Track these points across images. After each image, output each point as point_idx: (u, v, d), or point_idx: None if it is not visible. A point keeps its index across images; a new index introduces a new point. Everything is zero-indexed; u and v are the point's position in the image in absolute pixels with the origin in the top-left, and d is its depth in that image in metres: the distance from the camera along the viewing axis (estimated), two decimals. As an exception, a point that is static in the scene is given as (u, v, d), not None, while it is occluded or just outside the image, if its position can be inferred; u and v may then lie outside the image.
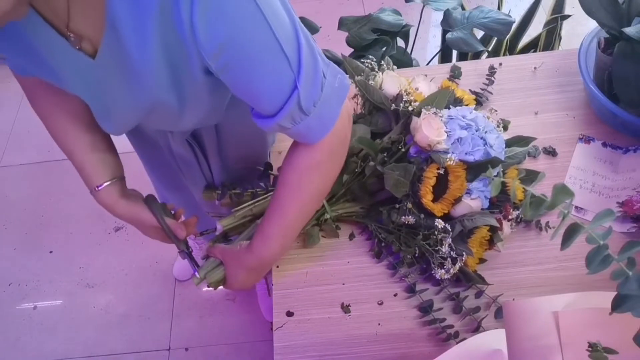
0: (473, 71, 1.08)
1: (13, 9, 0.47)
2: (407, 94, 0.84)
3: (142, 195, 0.85)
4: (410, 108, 0.83)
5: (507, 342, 0.58)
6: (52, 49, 0.60)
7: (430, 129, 0.79)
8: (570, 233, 0.45)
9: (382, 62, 0.94)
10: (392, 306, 0.84)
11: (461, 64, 1.10)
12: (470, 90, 1.02)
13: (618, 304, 0.45)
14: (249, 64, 0.57)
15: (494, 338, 0.68)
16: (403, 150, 0.83)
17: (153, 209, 0.80)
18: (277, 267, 0.89)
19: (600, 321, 0.53)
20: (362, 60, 0.94)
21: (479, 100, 1.02)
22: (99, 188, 0.79)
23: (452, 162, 0.77)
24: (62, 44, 0.58)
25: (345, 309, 0.84)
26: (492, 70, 1.05)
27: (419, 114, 0.81)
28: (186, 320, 1.70)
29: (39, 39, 0.59)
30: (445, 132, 0.79)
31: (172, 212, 0.85)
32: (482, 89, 1.03)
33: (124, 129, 0.77)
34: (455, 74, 1.07)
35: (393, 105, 0.87)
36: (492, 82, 1.04)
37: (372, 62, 0.93)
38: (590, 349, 0.49)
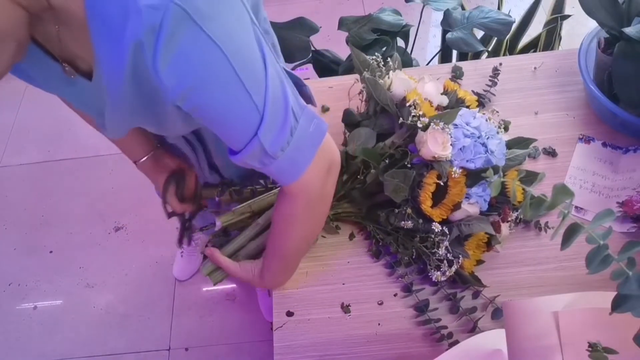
0: (473, 71, 1.08)
1: (16, 55, 0.48)
2: (414, 107, 0.81)
3: (173, 167, 0.96)
4: (419, 124, 0.80)
5: (507, 342, 0.58)
6: (47, 75, 0.61)
7: (436, 144, 0.77)
8: (570, 233, 0.45)
9: (389, 59, 0.93)
10: (391, 306, 0.84)
11: (461, 64, 1.10)
12: (473, 91, 1.02)
13: (618, 304, 0.45)
14: (215, 108, 0.58)
15: (494, 338, 0.68)
16: (407, 163, 0.82)
17: (164, 184, 0.94)
18: (277, 267, 0.89)
19: (600, 321, 0.53)
20: (371, 58, 0.93)
21: (482, 102, 1.02)
22: (142, 161, 0.93)
23: (455, 174, 0.77)
24: (57, 71, 0.59)
25: (345, 309, 0.84)
26: (495, 72, 1.05)
27: (426, 128, 0.80)
28: (186, 320, 1.70)
29: (34, 66, 0.60)
30: (452, 143, 0.78)
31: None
32: (485, 90, 1.03)
33: (120, 136, 0.78)
34: (457, 75, 1.07)
35: (401, 118, 0.84)
36: (495, 84, 1.04)
37: (378, 59, 0.92)
38: (590, 349, 0.49)
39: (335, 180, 0.74)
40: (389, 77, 0.89)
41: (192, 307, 1.72)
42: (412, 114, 0.81)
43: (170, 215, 0.99)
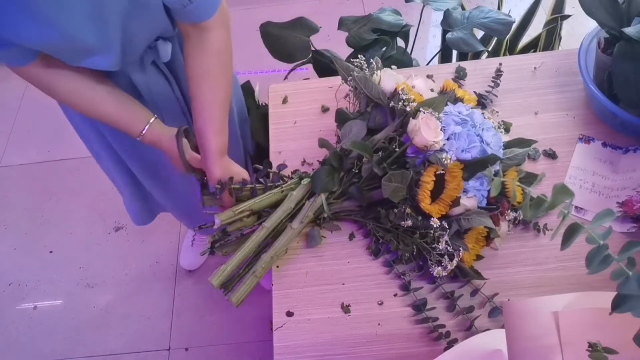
0: (473, 71, 1.08)
1: None
2: (404, 93, 0.84)
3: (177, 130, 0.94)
4: (407, 108, 0.82)
5: (507, 342, 0.58)
6: None
7: (429, 131, 0.78)
8: (570, 233, 0.45)
9: (372, 61, 0.93)
10: (391, 306, 0.84)
11: (461, 64, 1.10)
12: (475, 92, 1.02)
13: (618, 304, 0.45)
14: None
15: (494, 338, 0.68)
16: (399, 150, 0.82)
17: (177, 142, 0.91)
18: (277, 267, 0.89)
19: (600, 321, 0.53)
20: (352, 60, 0.94)
21: (483, 103, 1.01)
22: (143, 133, 0.92)
23: (449, 161, 0.77)
24: None
25: (345, 309, 0.84)
26: (498, 73, 1.04)
27: (415, 114, 0.81)
28: (186, 320, 1.70)
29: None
30: (442, 128, 0.79)
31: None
32: (487, 92, 1.03)
33: (120, 54, 0.82)
34: (460, 75, 1.07)
35: (391, 102, 0.86)
36: (497, 85, 1.03)
37: (362, 61, 0.93)
38: (590, 349, 0.49)
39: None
40: (377, 75, 0.89)
41: (192, 307, 1.72)
42: (403, 97, 0.82)
43: (198, 179, 0.96)
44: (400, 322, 0.82)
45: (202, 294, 1.74)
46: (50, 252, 1.89)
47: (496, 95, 1.03)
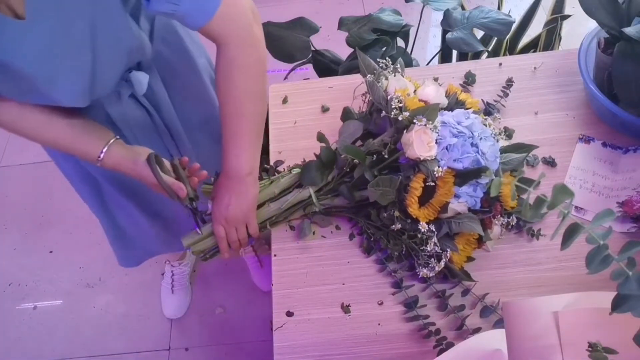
0: (472, 71, 1.08)
1: None
2: (398, 101, 0.81)
3: (148, 152, 0.86)
4: (400, 117, 0.80)
5: (507, 342, 0.58)
6: None
7: (421, 146, 0.77)
8: (570, 233, 0.45)
9: (397, 64, 0.92)
10: (392, 306, 0.84)
11: (461, 64, 1.10)
12: (482, 100, 1.01)
13: (618, 304, 0.45)
14: None
15: (494, 338, 0.68)
16: (390, 159, 0.82)
17: (152, 169, 0.82)
18: (277, 266, 0.89)
19: (600, 321, 0.53)
20: (378, 60, 0.92)
21: (490, 111, 1.00)
22: (101, 157, 0.83)
23: (440, 173, 0.76)
24: None
25: (345, 309, 0.84)
26: (509, 83, 1.03)
27: (410, 123, 0.79)
28: (186, 320, 1.70)
29: None
30: (437, 140, 0.78)
31: (180, 166, 0.88)
32: (495, 101, 1.02)
33: (86, 89, 0.76)
34: (469, 81, 1.06)
35: (384, 113, 0.85)
36: (506, 95, 1.02)
37: (387, 64, 0.91)
38: (590, 349, 0.49)
39: (261, 26, 0.77)
40: (386, 79, 0.88)
41: (192, 307, 1.72)
42: (393, 106, 0.81)
43: (186, 206, 0.90)
44: (400, 322, 0.82)
45: (201, 294, 1.74)
46: (51, 252, 1.89)
47: (504, 106, 1.02)
